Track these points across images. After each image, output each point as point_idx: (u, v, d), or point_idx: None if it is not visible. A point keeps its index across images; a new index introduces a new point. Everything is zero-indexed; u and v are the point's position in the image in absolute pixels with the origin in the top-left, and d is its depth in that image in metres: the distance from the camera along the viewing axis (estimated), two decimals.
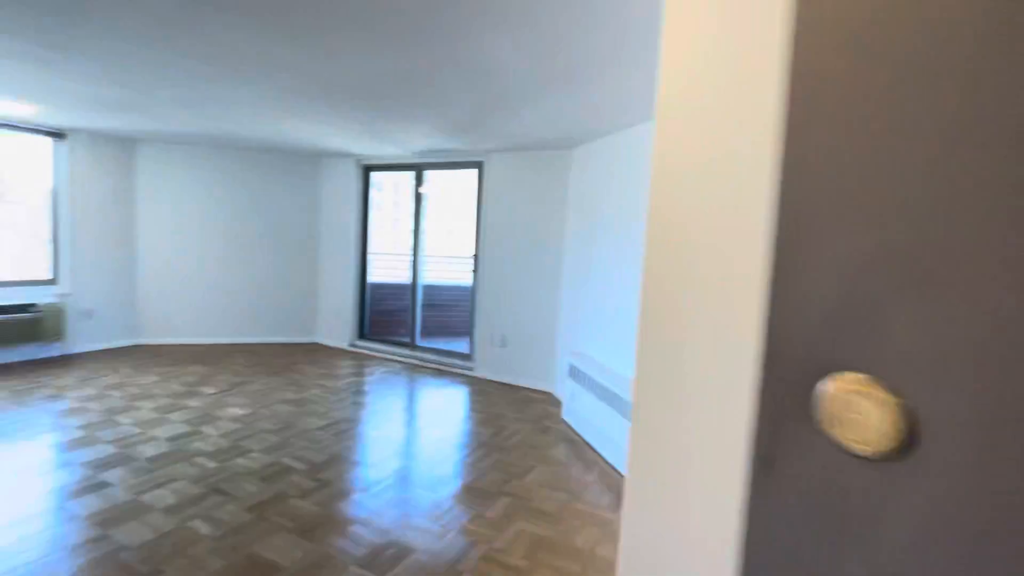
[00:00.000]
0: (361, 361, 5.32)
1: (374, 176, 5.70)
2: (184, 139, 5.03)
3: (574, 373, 3.75)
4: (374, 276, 5.92)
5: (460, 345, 6.18)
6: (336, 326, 5.87)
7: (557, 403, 4.25)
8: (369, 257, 5.79)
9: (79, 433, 3.14)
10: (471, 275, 5.00)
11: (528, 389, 4.62)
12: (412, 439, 3.37)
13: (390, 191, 6.63)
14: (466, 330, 7.02)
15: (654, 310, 0.81)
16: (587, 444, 3.43)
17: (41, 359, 4.68)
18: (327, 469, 2.84)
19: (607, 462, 3.14)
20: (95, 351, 5.08)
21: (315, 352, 5.58)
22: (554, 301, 4.50)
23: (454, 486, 2.74)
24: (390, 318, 6.69)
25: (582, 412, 3.56)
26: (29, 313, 4.52)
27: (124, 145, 5.18)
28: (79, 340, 4.98)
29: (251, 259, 5.69)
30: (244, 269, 5.67)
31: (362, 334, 5.80)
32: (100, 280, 5.11)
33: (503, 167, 4.69)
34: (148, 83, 3.08)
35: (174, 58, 2.60)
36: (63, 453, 2.86)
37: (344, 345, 5.80)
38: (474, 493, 2.67)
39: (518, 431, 3.59)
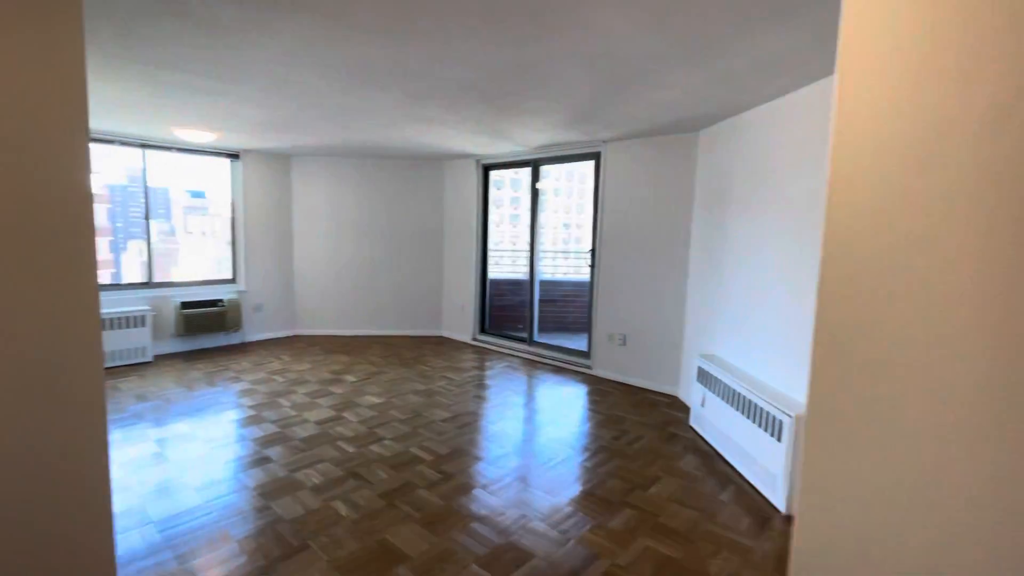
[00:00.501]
0: (482, 355, 5.49)
1: (493, 175, 5.81)
2: (328, 151, 5.60)
3: (704, 377, 3.42)
4: (493, 272, 6.05)
5: (576, 342, 6.07)
6: (459, 320, 6.13)
7: (683, 408, 3.94)
8: (489, 253, 5.93)
9: (250, 412, 3.65)
10: (588, 270, 4.85)
11: (650, 391, 4.35)
12: (531, 437, 3.35)
13: (507, 188, 6.70)
14: (582, 326, 6.89)
15: (838, 320, 0.62)
16: (719, 456, 3.11)
17: (225, 346, 5.59)
18: (450, 462, 2.94)
19: (744, 479, 2.81)
20: (263, 340, 5.92)
21: (441, 345, 5.89)
22: (679, 297, 4.17)
23: (574, 490, 2.66)
24: (508, 313, 6.82)
25: (714, 420, 3.24)
26: (217, 307, 5.40)
27: (281, 161, 5.94)
28: (252, 330, 5.85)
29: (385, 258, 6.18)
30: (379, 267, 6.18)
31: (483, 328, 5.98)
32: (266, 279, 5.94)
33: (622, 156, 4.45)
34: (296, 100, 3.44)
35: (316, 74, 2.85)
36: (239, 429, 3.35)
37: (467, 339, 6.03)
38: (595, 501, 2.56)
39: (641, 436, 3.38)
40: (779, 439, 2.50)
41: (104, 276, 5.16)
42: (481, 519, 2.36)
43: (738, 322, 3.30)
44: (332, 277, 6.18)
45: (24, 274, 1.42)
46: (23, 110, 1.40)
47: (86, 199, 1.49)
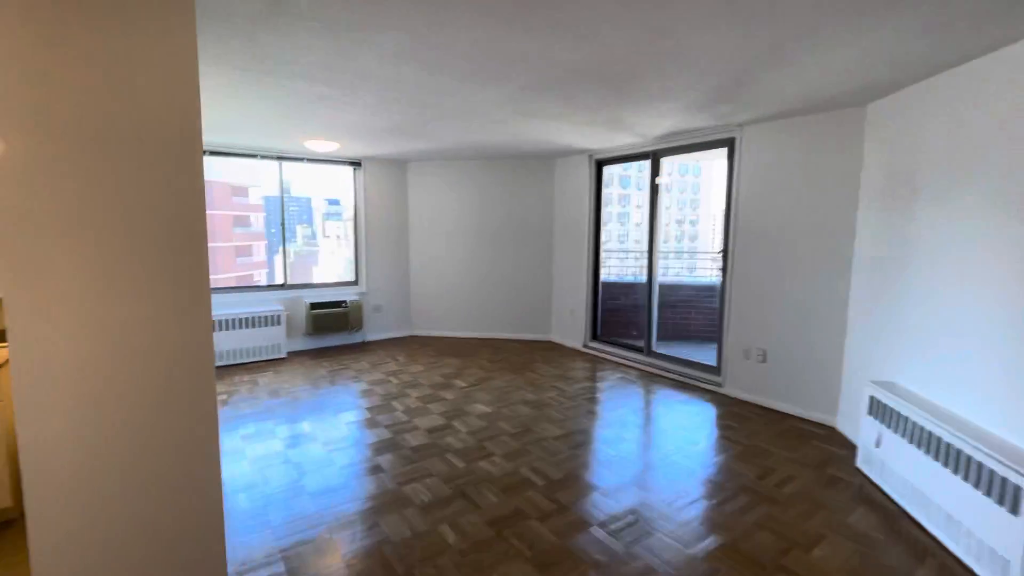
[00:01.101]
0: (594, 364, 5.13)
1: (605, 171, 5.42)
2: (441, 155, 5.64)
3: (880, 410, 2.74)
4: (603, 274, 5.65)
5: (700, 353, 5.47)
6: (570, 325, 5.83)
7: (844, 443, 3.23)
8: (602, 255, 5.55)
9: (366, 415, 3.71)
10: (716, 273, 4.25)
11: (798, 419, 3.67)
12: (654, 466, 2.95)
13: (615, 185, 6.21)
14: (705, 335, 6.16)
15: None
16: (906, 515, 2.44)
17: (348, 344, 5.90)
18: (564, 489, 2.66)
19: (949, 553, 2.15)
20: (382, 340, 6.16)
21: (550, 351, 5.64)
22: (837, 308, 3.44)
23: (711, 541, 2.22)
24: (620, 319, 6.37)
25: (896, 467, 2.56)
26: (341, 308, 5.71)
27: (398, 167, 6.12)
28: (371, 330, 6.12)
29: (495, 260, 6.10)
30: (489, 270, 6.12)
31: (595, 335, 5.62)
32: (385, 282, 6.17)
33: (763, 141, 3.80)
34: (408, 102, 3.40)
35: (427, 70, 2.74)
36: (355, 432, 3.40)
37: (578, 345, 5.72)
38: (740, 559, 2.11)
39: (793, 476, 2.81)
40: (1014, 511, 1.84)
41: (260, 277, 5.70)
42: (600, 568, 2.05)
43: (930, 343, 2.57)
44: (444, 280, 6.25)
45: (150, 278, 1.41)
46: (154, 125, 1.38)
47: (199, 209, 1.45)
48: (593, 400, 4.07)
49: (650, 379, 4.65)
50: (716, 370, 4.32)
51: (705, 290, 6.42)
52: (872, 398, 2.82)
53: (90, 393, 1.32)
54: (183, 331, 1.43)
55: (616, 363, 5.16)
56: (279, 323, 5.24)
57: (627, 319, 6.39)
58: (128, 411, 1.38)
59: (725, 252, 4.17)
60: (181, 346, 1.43)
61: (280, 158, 5.31)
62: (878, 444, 2.74)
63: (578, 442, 3.25)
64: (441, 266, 6.24)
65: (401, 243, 6.27)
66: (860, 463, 2.91)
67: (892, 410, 2.63)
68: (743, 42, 2.22)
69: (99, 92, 1.29)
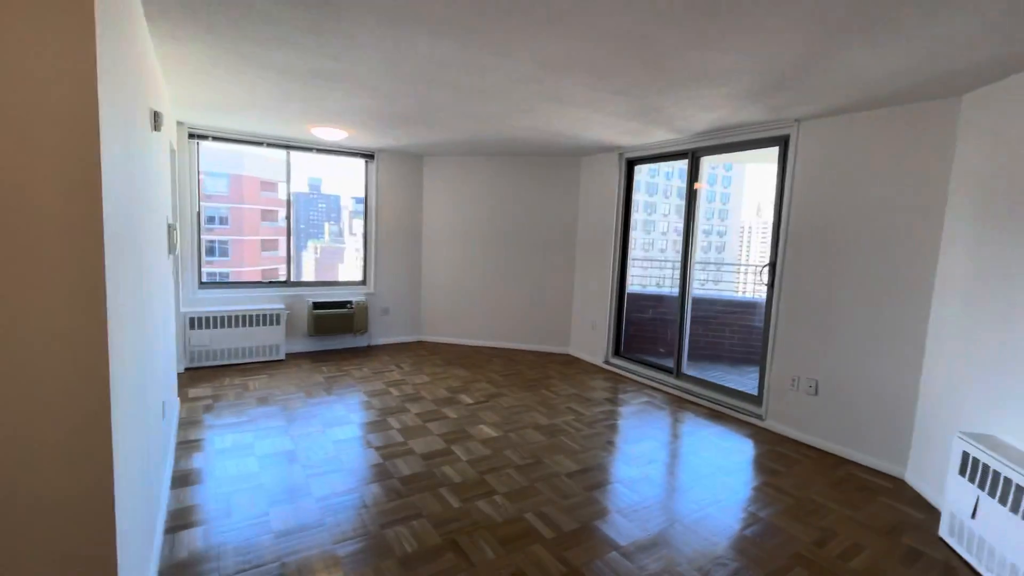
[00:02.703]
0: (616, 383, 4.64)
1: (637, 171, 4.94)
2: (458, 149, 5.24)
3: (975, 470, 2.20)
4: (630, 285, 5.16)
5: (735, 378, 4.96)
6: (590, 339, 5.35)
7: (921, 504, 2.68)
8: (629, 263, 5.06)
9: (358, 432, 3.31)
10: (765, 289, 3.73)
11: (857, 465, 3.12)
12: (686, 519, 2.46)
13: (642, 191, 5.68)
14: (741, 358, 5.56)
15: None
16: None
17: (351, 348, 5.54)
18: (576, 545, 2.20)
19: None
20: (388, 344, 5.79)
21: (568, 366, 5.17)
22: (914, 337, 2.90)
23: None
24: (643, 333, 5.86)
25: (995, 544, 2.02)
26: (347, 309, 5.36)
27: (414, 161, 5.75)
28: (378, 333, 5.75)
29: (512, 265, 5.66)
30: (506, 275, 5.69)
31: (617, 350, 5.12)
32: (394, 282, 5.80)
33: (824, 138, 3.28)
34: (413, 81, 3.00)
35: (427, 42, 2.34)
36: (342, 454, 2.99)
37: (598, 361, 5.23)
38: None
39: (860, 546, 2.28)
40: None
41: (282, 273, 5.40)
42: None
43: None
44: (458, 284, 5.85)
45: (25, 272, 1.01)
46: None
47: (93, 197, 1.06)
48: (614, 428, 3.59)
49: (679, 405, 4.14)
50: (757, 400, 3.79)
51: (740, 306, 5.86)
52: (966, 455, 2.27)
53: None
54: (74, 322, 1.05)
55: (640, 384, 4.66)
56: (278, 322, 4.90)
57: (651, 334, 5.88)
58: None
59: (773, 266, 3.65)
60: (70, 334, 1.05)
61: (287, 146, 4.99)
62: (975, 515, 2.19)
63: (596, 481, 2.78)
64: (454, 269, 5.84)
65: (414, 242, 5.89)
66: (944, 533, 2.36)
67: (994, 472, 2.09)
68: (822, 13, 1.74)
69: None
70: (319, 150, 5.17)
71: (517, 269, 5.66)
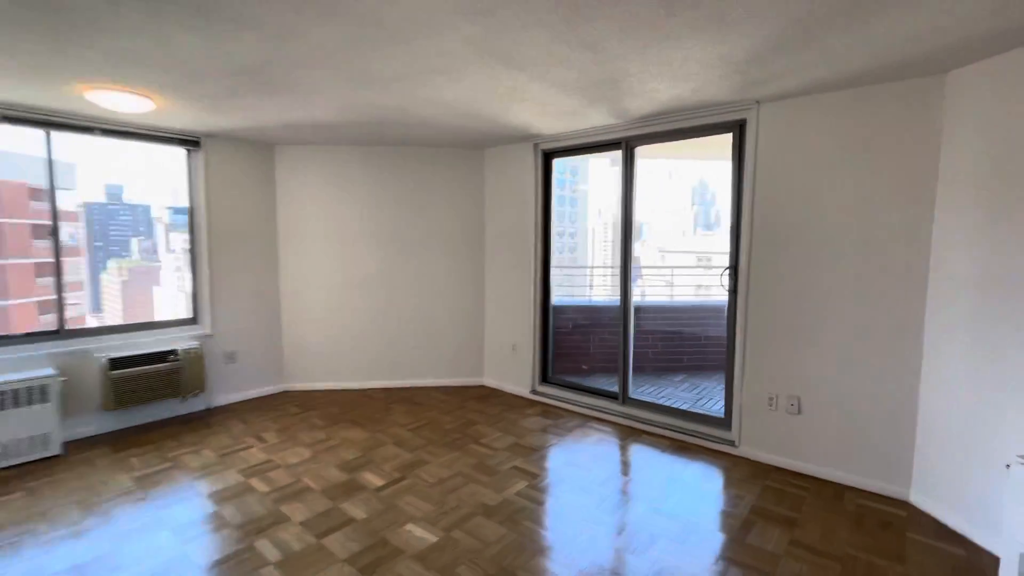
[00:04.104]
0: (554, 419, 3.84)
1: (556, 165, 4.22)
2: (326, 135, 3.96)
3: None
4: (554, 296, 4.43)
5: (685, 395, 4.56)
6: (510, 365, 4.49)
7: (943, 532, 2.33)
8: (553, 271, 4.32)
9: None
10: (728, 296, 3.25)
11: (859, 491, 2.74)
12: None
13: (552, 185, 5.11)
14: (689, 367, 5.11)
15: None
16: None
17: (180, 417, 3.87)
18: None
19: None
20: (238, 402, 4.21)
21: (488, 403, 4.23)
22: (908, 339, 2.59)
23: None
24: (576, 352, 5.21)
25: None
26: (168, 362, 3.70)
27: (262, 152, 4.28)
28: (221, 389, 4.15)
29: (404, 283, 4.53)
30: (399, 296, 4.53)
31: (545, 376, 4.34)
32: (241, 316, 4.24)
33: (791, 122, 2.88)
34: (276, 9, 1.81)
35: None
36: None
37: (523, 391, 4.39)
38: None
39: None
40: None
41: (80, 301, 3.49)
42: None
43: None
44: (335, 311, 4.51)
45: None
46: None
47: None
48: (586, 490, 2.76)
49: (634, 438, 3.49)
50: (725, 423, 3.30)
51: (686, 312, 5.51)
52: None
53: None
54: None
55: (580, 415, 3.93)
56: (45, 399, 3.11)
57: (576, 351, 5.24)
58: None
59: (735, 269, 3.18)
60: None
61: (48, 123, 3.21)
62: None
63: None
64: (327, 292, 4.50)
65: (267, 261, 4.40)
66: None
67: None
68: None
69: None
70: (106, 131, 3.46)
71: (411, 287, 4.55)
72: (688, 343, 5.29)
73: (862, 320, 2.71)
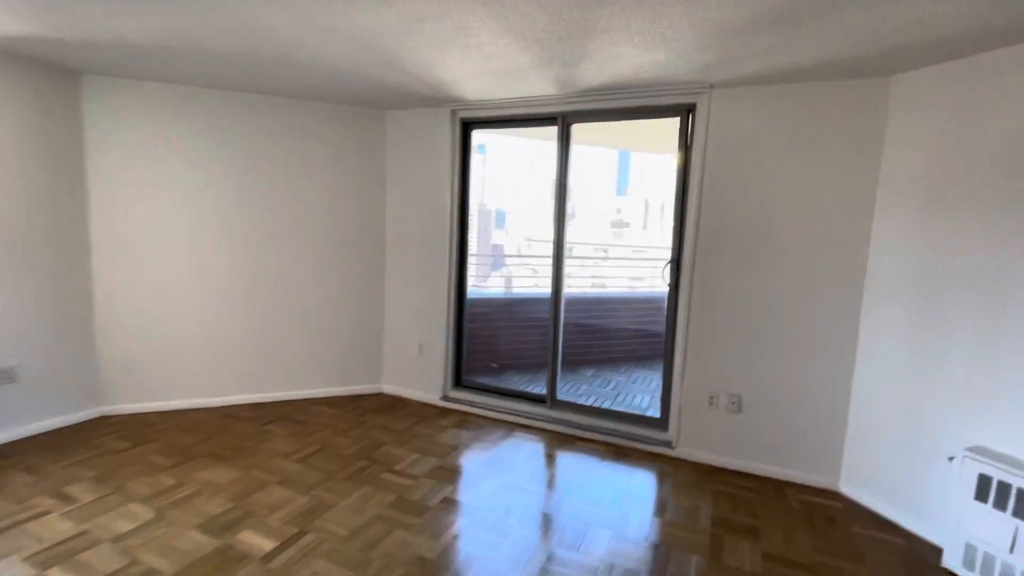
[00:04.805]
0: (475, 431, 3.35)
1: (475, 138, 3.67)
2: (166, 67, 2.88)
3: (1007, 495, 1.92)
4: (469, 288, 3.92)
5: (602, 392, 4.42)
6: (415, 368, 3.86)
7: (878, 521, 2.42)
8: (468, 261, 3.79)
9: None
10: (669, 291, 3.09)
11: (796, 486, 2.77)
12: None
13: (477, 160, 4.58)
14: (604, 358, 4.91)
15: None
16: None
17: None
18: None
19: None
20: (25, 438, 2.93)
21: (392, 414, 3.57)
22: (846, 339, 2.65)
23: None
24: (489, 350, 4.76)
25: None
26: None
27: (60, 82, 2.97)
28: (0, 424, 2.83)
29: (283, 271, 3.60)
30: (267, 285, 3.58)
31: (458, 380, 3.81)
32: (29, 316, 2.94)
33: (739, 111, 2.76)
34: None
35: None
36: None
37: (433, 398, 3.80)
38: None
39: None
40: None
41: None
42: None
43: None
44: (180, 306, 3.39)
45: None
46: None
47: None
48: (533, 521, 2.34)
49: (568, 445, 3.17)
50: (661, 423, 3.15)
51: (606, 304, 5.32)
52: (986, 479, 1.99)
53: None
54: None
55: (503, 422, 3.51)
56: None
57: (487, 348, 4.79)
58: None
59: (677, 263, 3.01)
60: None
61: None
62: (1012, 548, 1.91)
63: None
64: (170, 281, 3.36)
65: (73, 238, 3.11)
66: (956, 566, 2.08)
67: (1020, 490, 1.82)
68: None
69: None
70: None
71: (293, 277, 3.63)
72: (597, 336, 5.19)
73: (804, 317, 2.72)
